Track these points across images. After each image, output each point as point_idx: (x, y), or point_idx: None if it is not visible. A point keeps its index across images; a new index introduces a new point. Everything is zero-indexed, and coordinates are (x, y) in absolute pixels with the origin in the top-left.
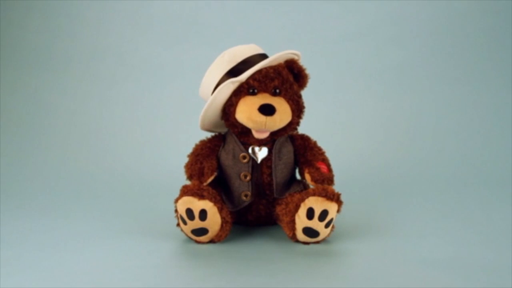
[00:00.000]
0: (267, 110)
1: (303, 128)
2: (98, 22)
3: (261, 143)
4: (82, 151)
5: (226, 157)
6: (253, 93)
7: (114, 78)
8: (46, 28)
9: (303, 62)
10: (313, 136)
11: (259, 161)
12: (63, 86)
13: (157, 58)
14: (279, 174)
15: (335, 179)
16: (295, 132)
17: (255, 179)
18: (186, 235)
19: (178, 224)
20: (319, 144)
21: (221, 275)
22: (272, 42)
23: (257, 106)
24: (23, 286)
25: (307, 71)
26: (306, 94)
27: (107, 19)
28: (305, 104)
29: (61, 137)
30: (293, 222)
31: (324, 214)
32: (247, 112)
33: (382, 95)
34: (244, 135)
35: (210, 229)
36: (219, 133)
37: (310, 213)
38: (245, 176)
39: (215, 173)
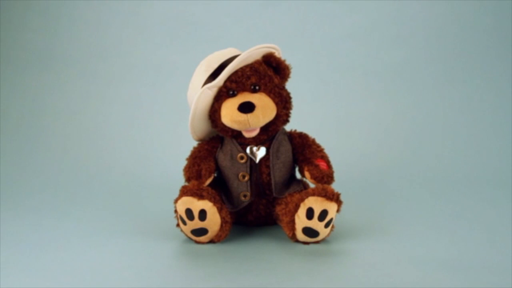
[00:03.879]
0: (246, 108)
1: (303, 127)
2: (98, 22)
3: (258, 142)
4: (81, 151)
5: (224, 158)
6: (233, 95)
7: (113, 78)
8: (46, 28)
9: (303, 61)
10: (313, 135)
11: (257, 161)
12: (63, 86)
13: (156, 59)
14: (277, 174)
15: (335, 177)
16: (293, 131)
17: (255, 179)
18: (186, 235)
19: (177, 224)
20: (319, 143)
21: (221, 275)
22: (271, 42)
23: (236, 106)
24: (23, 286)
25: (287, 62)
26: (305, 94)
27: (107, 19)
28: (305, 103)
29: (60, 137)
30: (292, 222)
31: (323, 214)
32: (228, 114)
33: (383, 94)
34: (239, 136)
35: (209, 229)
36: (217, 135)
37: (309, 213)
38: (243, 176)
39: (213, 175)
